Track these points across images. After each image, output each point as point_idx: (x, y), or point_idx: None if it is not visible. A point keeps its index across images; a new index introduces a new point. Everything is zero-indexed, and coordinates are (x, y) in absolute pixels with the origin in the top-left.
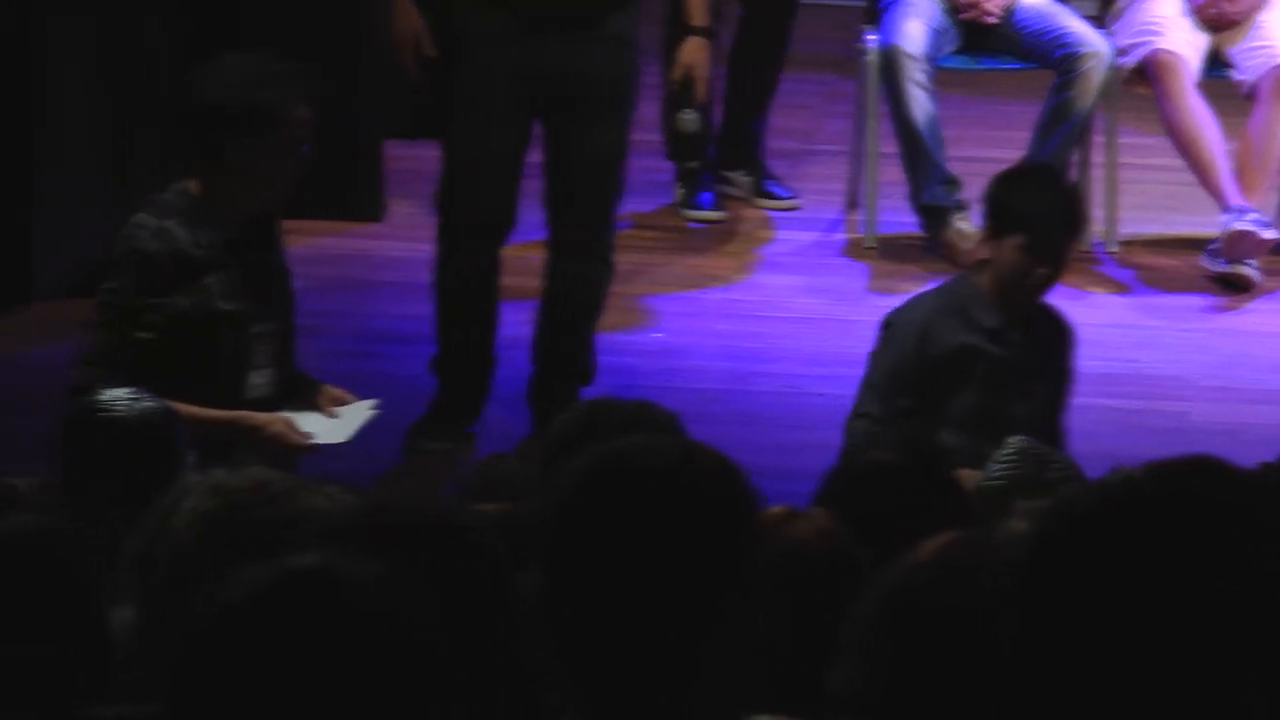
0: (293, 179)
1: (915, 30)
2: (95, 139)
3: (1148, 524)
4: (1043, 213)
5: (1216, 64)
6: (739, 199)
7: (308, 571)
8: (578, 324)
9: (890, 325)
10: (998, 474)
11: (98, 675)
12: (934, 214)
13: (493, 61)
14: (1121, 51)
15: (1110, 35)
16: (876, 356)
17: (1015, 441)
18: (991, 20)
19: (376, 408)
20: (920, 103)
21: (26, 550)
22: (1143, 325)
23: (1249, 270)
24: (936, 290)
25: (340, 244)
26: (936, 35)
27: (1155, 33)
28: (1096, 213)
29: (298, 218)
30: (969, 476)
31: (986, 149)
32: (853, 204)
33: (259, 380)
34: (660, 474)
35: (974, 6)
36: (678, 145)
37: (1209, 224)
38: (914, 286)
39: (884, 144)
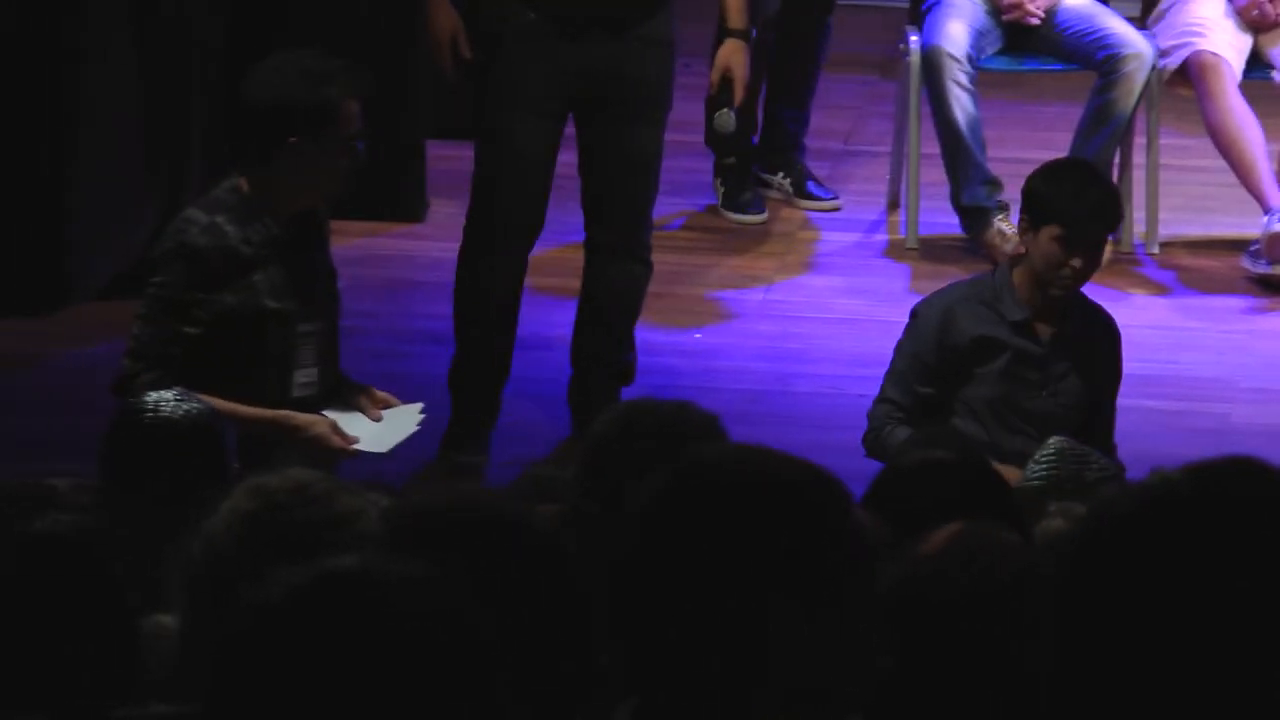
0: (347, 177)
1: (958, 31)
2: (130, 141)
3: (1187, 526)
4: (1078, 204)
5: (1258, 65)
6: (780, 200)
7: (347, 573)
8: (616, 324)
9: (915, 313)
10: (1038, 474)
11: (128, 676)
12: (975, 215)
13: (526, 63)
14: (1163, 53)
15: (1152, 36)
16: (900, 343)
17: (1055, 442)
18: (1035, 21)
19: (422, 413)
20: (962, 103)
21: (62, 550)
22: (1183, 327)
23: None
24: (969, 281)
25: (382, 244)
26: (979, 36)
27: (1197, 34)
28: (1137, 214)
29: (340, 218)
30: (1011, 475)
31: (1028, 150)
32: (894, 205)
33: (304, 379)
34: (747, 483)
35: (1018, 7)
36: (716, 143)
37: (1250, 225)
38: None
39: (925, 145)
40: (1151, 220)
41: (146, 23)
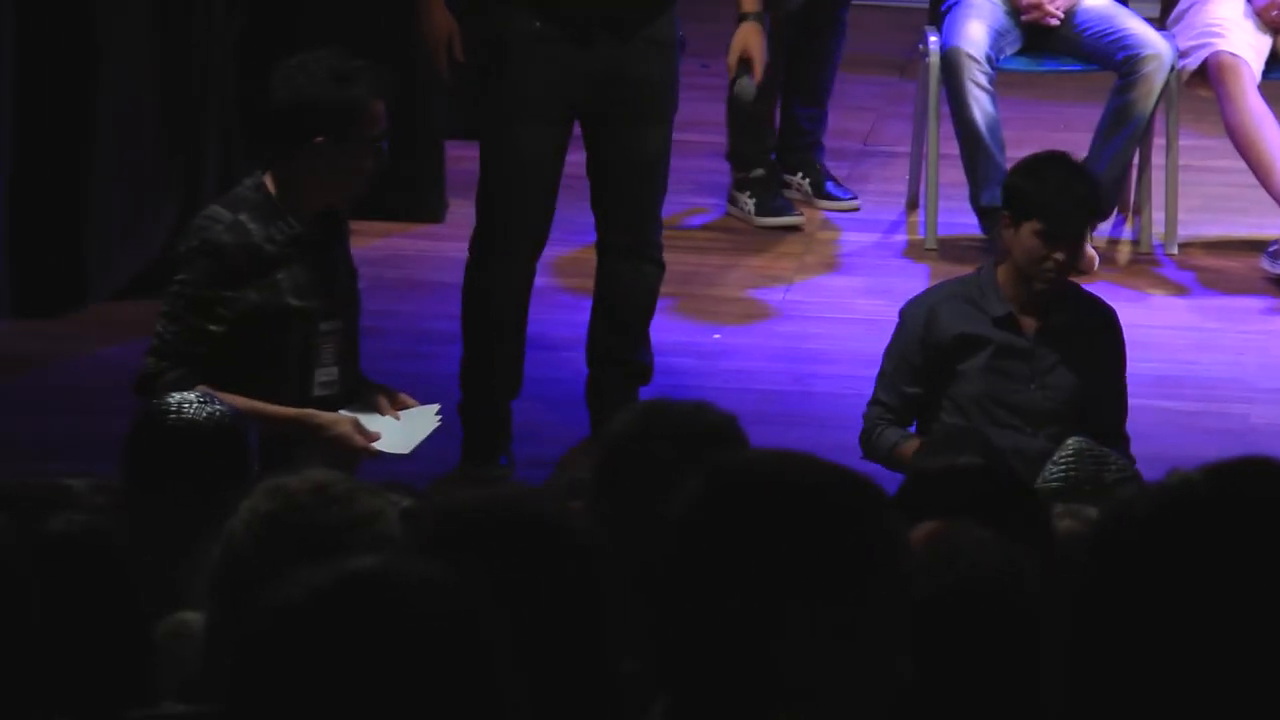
0: (371, 176)
1: (977, 32)
2: (148, 141)
3: (1205, 526)
4: (1059, 198)
5: (1278, 66)
6: (799, 200)
7: (367, 573)
8: (631, 324)
9: (902, 314)
10: (1056, 475)
11: (142, 676)
12: (994, 215)
13: (532, 70)
14: (1183, 53)
15: (1171, 37)
16: (889, 344)
17: (1073, 443)
18: (1054, 22)
19: (439, 415)
20: (981, 104)
21: (76, 550)
22: (1202, 327)
23: None
24: (958, 279)
25: (401, 245)
26: (998, 37)
27: (1217, 34)
28: (1156, 215)
29: (359, 218)
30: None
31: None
32: (913, 205)
33: (325, 378)
34: (789, 489)
35: (1037, 8)
36: (738, 158)
37: (1269, 226)
38: None
39: (944, 145)
40: (1170, 221)
41: (164, 22)
